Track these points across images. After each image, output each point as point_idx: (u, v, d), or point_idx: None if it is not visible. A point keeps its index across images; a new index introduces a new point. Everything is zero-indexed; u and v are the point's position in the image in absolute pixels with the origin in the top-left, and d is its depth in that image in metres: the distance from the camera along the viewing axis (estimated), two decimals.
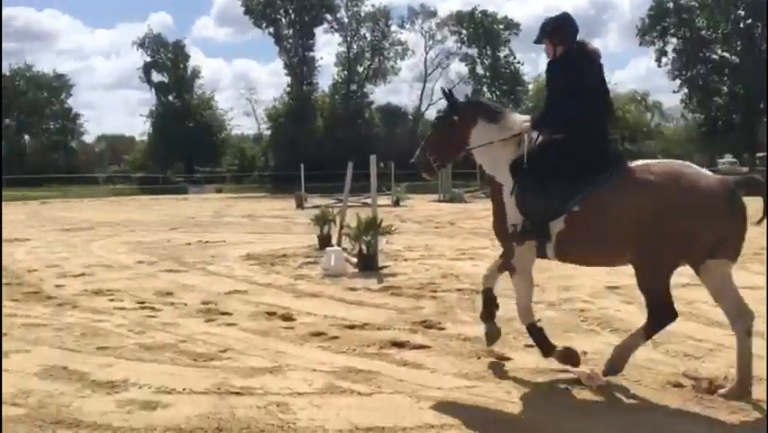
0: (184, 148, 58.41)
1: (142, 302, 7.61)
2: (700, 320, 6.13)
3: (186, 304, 7.47)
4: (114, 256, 11.90)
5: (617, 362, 4.65)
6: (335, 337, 5.88)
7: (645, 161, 4.71)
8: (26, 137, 65.60)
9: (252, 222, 19.91)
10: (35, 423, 3.96)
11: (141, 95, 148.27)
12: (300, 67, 57.85)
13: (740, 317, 4.35)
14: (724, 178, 4.56)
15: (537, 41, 4.95)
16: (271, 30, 57.34)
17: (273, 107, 61.07)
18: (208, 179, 56.53)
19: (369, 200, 11.49)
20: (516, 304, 5.02)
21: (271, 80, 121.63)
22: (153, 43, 60.95)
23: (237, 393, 4.46)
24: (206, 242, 13.96)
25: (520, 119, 5.09)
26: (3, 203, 34.77)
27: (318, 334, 6.00)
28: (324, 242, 11.80)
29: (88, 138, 72.01)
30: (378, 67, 60.16)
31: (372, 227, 9.71)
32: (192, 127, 60.31)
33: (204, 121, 61.53)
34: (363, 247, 9.68)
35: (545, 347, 4.94)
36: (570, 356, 4.84)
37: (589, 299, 7.27)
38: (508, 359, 5.19)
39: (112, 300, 7.76)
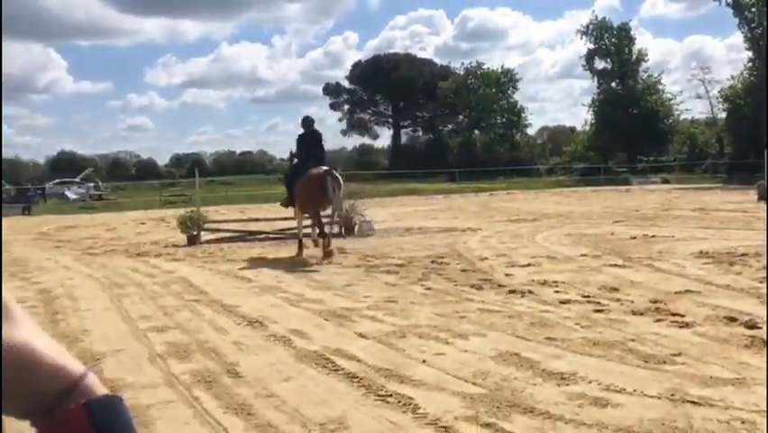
0: (627, 137, 57.88)
1: (587, 296, 7.79)
2: None
3: (632, 301, 7.40)
4: (557, 248, 12.41)
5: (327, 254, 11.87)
6: None
7: (319, 167, 12.11)
8: (476, 132, 72.36)
9: (704, 216, 18.73)
10: (494, 403, 4.36)
11: (584, 83, 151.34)
12: (765, 38, 52.11)
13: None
14: (324, 170, 11.96)
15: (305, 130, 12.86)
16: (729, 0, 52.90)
17: (730, 87, 56.34)
18: (653, 168, 54.89)
19: None
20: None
21: (729, 56, 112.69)
22: (597, 29, 61.57)
23: (694, 403, 4.25)
24: (652, 236, 13.61)
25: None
26: (460, 195, 39.05)
27: None
28: None
29: (531, 130, 76.37)
30: None
31: None
32: (636, 114, 59.38)
33: (649, 107, 59.96)
34: None
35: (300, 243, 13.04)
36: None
37: None
38: None
39: (557, 292, 8.12)
